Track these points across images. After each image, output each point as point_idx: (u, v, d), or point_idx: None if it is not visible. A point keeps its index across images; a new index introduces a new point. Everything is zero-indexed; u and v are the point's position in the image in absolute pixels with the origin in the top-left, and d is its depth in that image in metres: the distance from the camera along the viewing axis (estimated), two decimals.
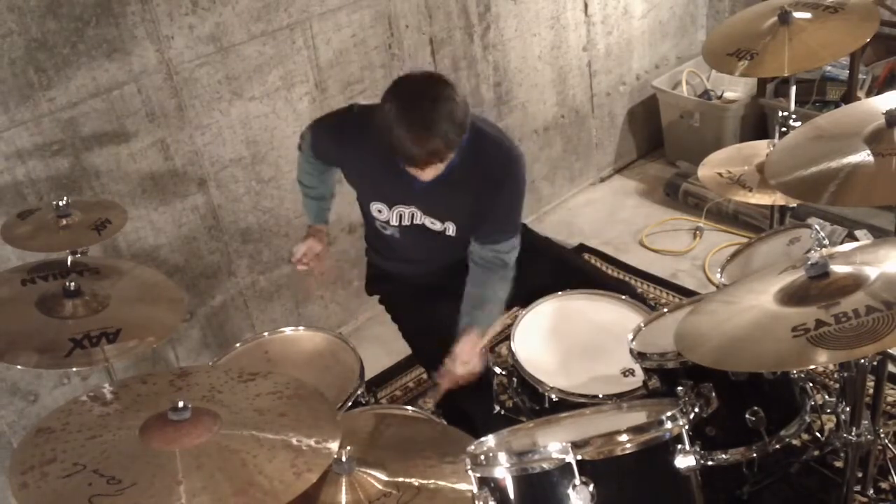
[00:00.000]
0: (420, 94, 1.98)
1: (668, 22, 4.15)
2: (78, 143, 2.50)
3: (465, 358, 2.10)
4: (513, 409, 2.44)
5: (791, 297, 1.62)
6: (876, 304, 1.47)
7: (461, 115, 1.97)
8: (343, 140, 2.27)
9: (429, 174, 2.04)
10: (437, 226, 2.26)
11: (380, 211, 2.27)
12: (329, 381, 2.18)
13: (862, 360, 1.91)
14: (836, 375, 2.66)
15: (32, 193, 2.46)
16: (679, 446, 1.51)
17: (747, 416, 1.85)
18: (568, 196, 4.09)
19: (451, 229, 2.26)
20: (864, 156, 1.85)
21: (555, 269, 2.39)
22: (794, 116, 2.61)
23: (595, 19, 3.81)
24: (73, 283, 1.91)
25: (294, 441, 1.48)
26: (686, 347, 1.68)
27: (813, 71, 3.62)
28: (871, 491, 2.31)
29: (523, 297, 2.34)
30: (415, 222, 2.26)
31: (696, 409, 1.76)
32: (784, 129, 2.61)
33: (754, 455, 1.89)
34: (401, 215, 2.26)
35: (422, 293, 2.35)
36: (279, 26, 2.80)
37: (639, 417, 1.70)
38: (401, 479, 1.64)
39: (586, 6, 3.75)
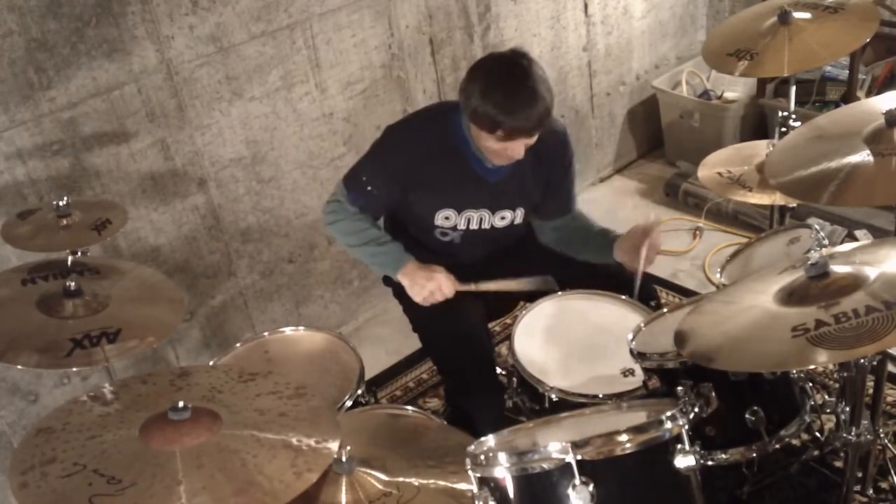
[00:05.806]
0: (512, 65, 2.05)
1: (668, 22, 4.15)
2: (78, 143, 2.50)
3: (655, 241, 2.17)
4: (513, 409, 2.44)
5: (791, 297, 1.62)
6: (876, 304, 1.47)
7: (548, 78, 2.07)
8: (410, 163, 2.20)
9: (520, 151, 2.08)
10: (506, 219, 2.31)
11: (447, 218, 2.28)
12: (329, 381, 2.18)
13: (862, 360, 1.91)
14: (835, 375, 2.66)
15: (32, 193, 2.46)
16: (679, 446, 1.51)
17: (747, 416, 1.85)
18: None
19: (519, 216, 2.34)
20: (863, 156, 1.85)
21: (562, 263, 2.40)
22: (793, 116, 2.60)
23: (595, 19, 3.81)
24: (73, 283, 1.90)
25: (294, 441, 1.48)
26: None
27: (813, 71, 3.61)
28: (871, 491, 2.31)
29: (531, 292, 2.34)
30: (482, 226, 2.30)
31: (696, 409, 1.75)
32: (784, 129, 2.60)
33: (754, 455, 1.88)
34: (469, 219, 2.28)
35: None
36: (279, 26, 2.80)
37: (639, 417, 1.69)
38: (401, 479, 1.64)
39: (586, 6, 3.75)
